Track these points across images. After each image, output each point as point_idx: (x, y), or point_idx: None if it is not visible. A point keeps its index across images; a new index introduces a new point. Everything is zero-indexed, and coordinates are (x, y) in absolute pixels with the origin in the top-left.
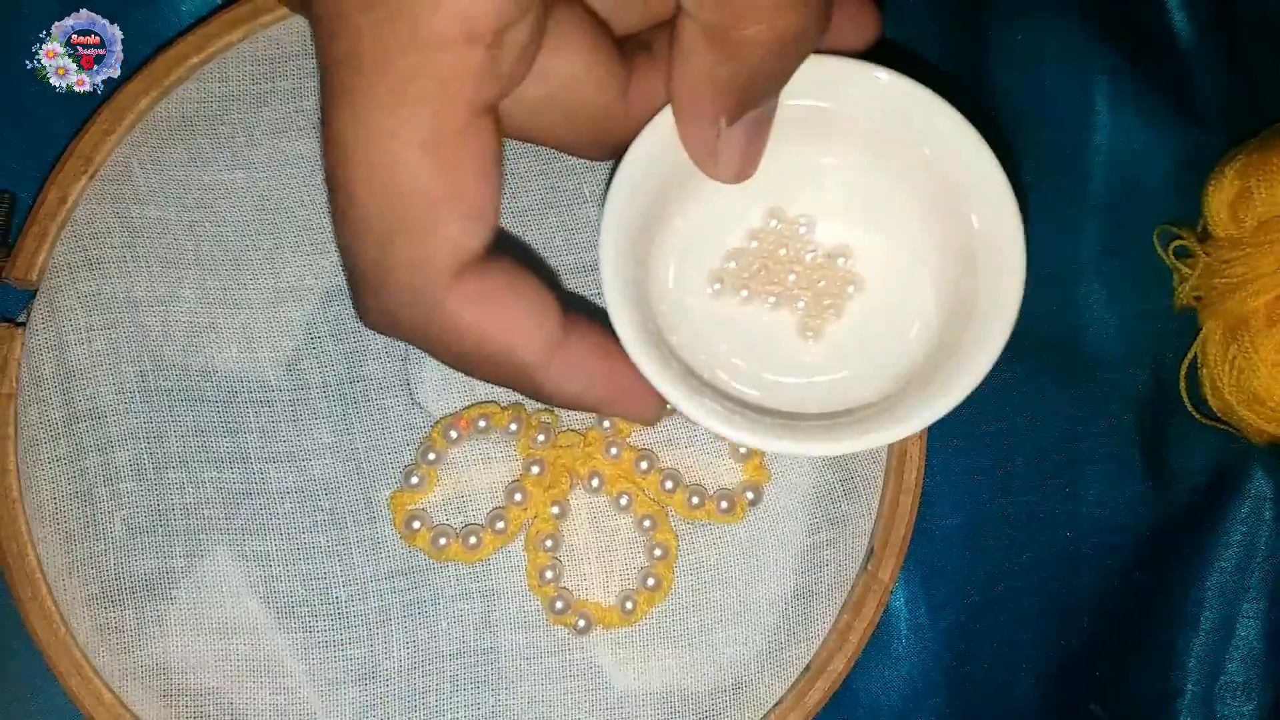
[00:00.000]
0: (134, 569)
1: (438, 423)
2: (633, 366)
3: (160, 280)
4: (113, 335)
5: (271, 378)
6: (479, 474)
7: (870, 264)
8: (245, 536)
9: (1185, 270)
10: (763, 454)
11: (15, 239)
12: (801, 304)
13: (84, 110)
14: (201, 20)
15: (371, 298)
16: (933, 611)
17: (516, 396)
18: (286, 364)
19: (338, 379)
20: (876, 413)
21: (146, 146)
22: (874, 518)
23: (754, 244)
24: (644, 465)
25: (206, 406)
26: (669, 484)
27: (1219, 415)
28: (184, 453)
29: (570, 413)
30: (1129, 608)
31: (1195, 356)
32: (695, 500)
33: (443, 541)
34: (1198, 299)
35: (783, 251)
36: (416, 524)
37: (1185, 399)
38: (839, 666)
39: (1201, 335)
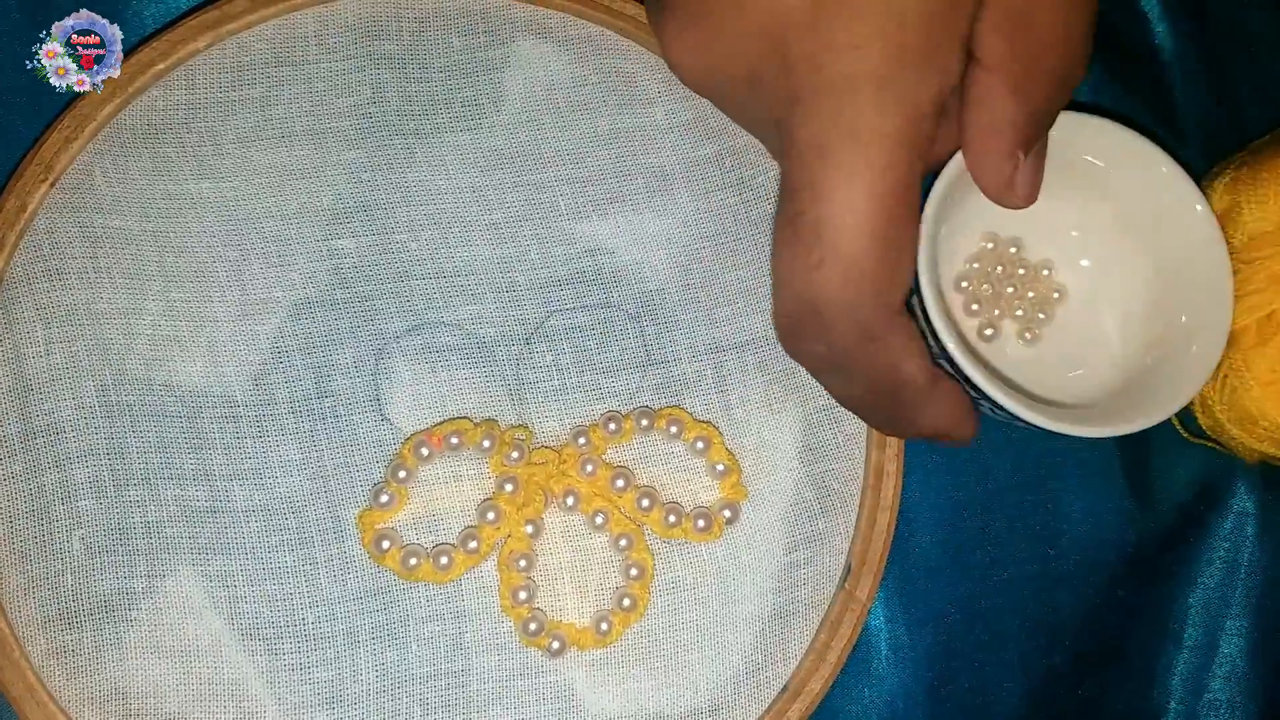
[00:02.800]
0: (92, 590)
1: (408, 439)
2: (958, 391)
3: (123, 292)
4: (73, 348)
5: (237, 393)
6: (450, 492)
7: (1073, 280)
8: (209, 556)
9: None
10: (740, 472)
11: None
12: (1020, 311)
13: (45, 115)
14: (167, 26)
15: (813, 330)
16: (912, 630)
17: (489, 412)
18: (253, 379)
19: (305, 394)
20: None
21: (110, 155)
22: (852, 535)
23: (975, 265)
24: (620, 483)
25: (169, 422)
26: (645, 502)
27: (1208, 433)
28: (145, 470)
29: (544, 429)
30: (1111, 625)
31: None
32: (672, 519)
33: (413, 561)
34: None
35: (999, 269)
36: (386, 543)
37: (1172, 418)
38: (817, 686)
39: None
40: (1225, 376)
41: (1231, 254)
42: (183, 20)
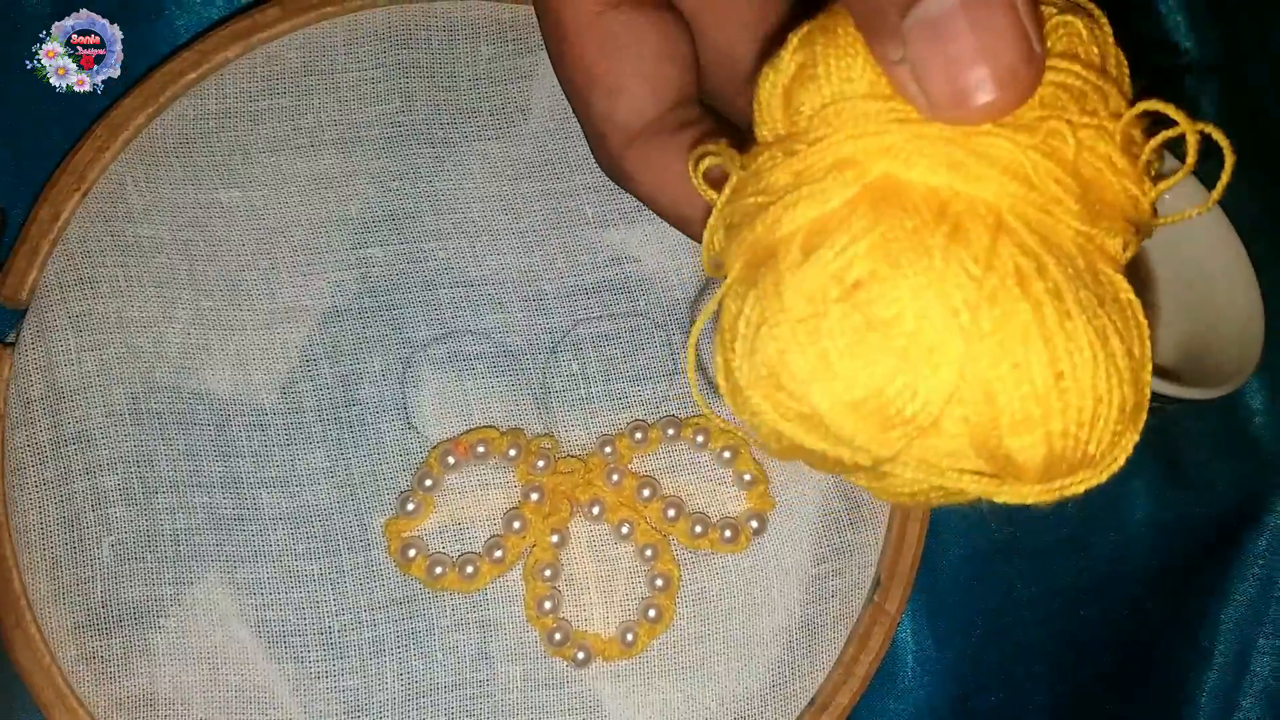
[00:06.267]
0: (122, 596)
1: (434, 448)
2: None
3: (153, 300)
4: (103, 356)
5: (265, 401)
6: (476, 501)
7: None
8: (236, 564)
9: None
10: (767, 482)
11: (6, 257)
12: None
13: (80, 123)
14: (198, 36)
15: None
16: (940, 643)
17: (515, 421)
18: (281, 387)
19: (333, 403)
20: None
21: (141, 164)
22: (881, 547)
23: None
24: (646, 493)
25: (198, 430)
26: (671, 512)
27: (734, 410)
28: (174, 477)
29: (570, 438)
30: (1141, 640)
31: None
32: (698, 529)
33: (439, 570)
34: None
35: None
36: (412, 552)
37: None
38: (844, 700)
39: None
40: (746, 314)
41: (794, 130)
42: (214, 30)
